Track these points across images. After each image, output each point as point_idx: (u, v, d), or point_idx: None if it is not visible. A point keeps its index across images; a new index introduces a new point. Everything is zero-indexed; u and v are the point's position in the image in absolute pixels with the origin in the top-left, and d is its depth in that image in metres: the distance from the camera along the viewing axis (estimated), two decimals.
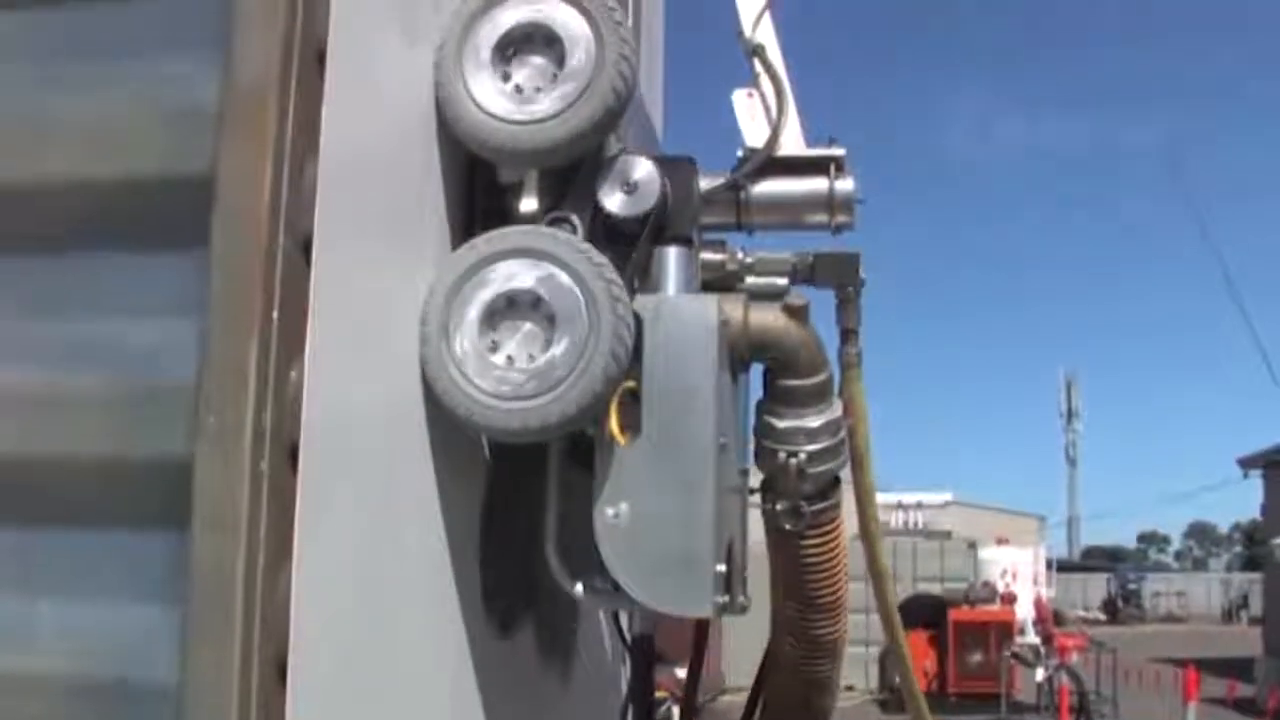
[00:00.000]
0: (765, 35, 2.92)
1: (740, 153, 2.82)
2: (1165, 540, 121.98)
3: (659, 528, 2.31)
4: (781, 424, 2.65)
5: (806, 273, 2.77)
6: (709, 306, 2.43)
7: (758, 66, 2.90)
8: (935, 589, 27.36)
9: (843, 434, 2.72)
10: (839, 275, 2.79)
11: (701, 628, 3.17)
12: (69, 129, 1.99)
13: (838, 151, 2.82)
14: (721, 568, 2.34)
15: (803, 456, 2.64)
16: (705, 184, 2.70)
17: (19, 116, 2.02)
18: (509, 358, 2.24)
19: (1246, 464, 33.76)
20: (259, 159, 1.81)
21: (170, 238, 1.89)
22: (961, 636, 26.00)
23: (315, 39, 1.89)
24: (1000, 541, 29.76)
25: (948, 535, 30.17)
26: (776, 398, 2.67)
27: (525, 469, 2.53)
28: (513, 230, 2.34)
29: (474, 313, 2.25)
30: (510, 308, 2.27)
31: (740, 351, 2.57)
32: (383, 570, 2.11)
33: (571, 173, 2.45)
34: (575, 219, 2.42)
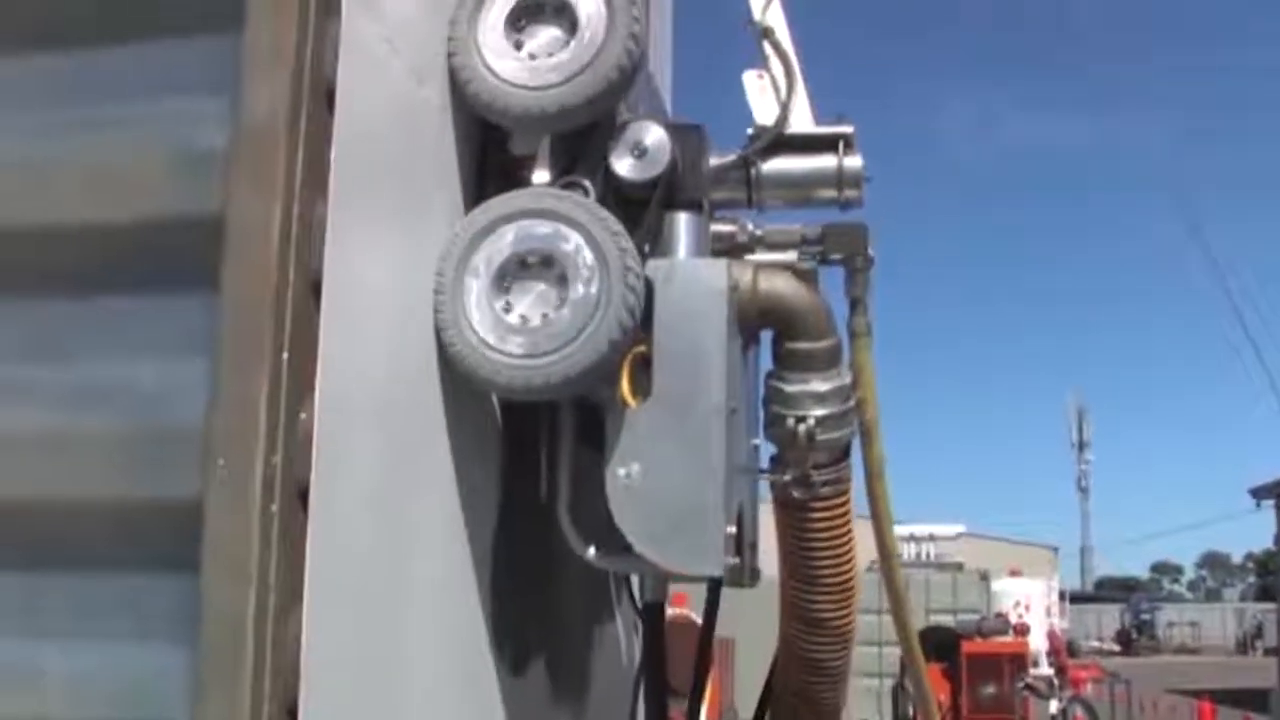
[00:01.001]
0: (775, 19, 2.97)
1: (750, 131, 2.87)
2: (1178, 570, 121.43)
3: (670, 487, 2.32)
4: (790, 388, 2.66)
5: (816, 244, 2.80)
6: (719, 270, 2.45)
7: (768, 49, 2.94)
8: (948, 621, 27.22)
9: (852, 402, 2.72)
10: (848, 246, 2.81)
11: (704, 653, 3.14)
12: (79, 172, 1.99)
13: (846, 129, 2.86)
14: (732, 529, 2.35)
15: (811, 421, 2.64)
16: (716, 161, 2.73)
17: (29, 159, 2.03)
18: (522, 317, 2.26)
19: (1258, 494, 33.60)
20: (268, 200, 1.82)
21: (180, 279, 1.89)
22: (974, 669, 25.82)
23: (323, 80, 1.90)
24: (1013, 573, 29.59)
25: (960, 567, 29.99)
26: (785, 362, 2.68)
27: (537, 509, 2.53)
28: (524, 192, 2.37)
29: (487, 273, 2.27)
30: (523, 268, 2.29)
31: (750, 316, 2.58)
32: (394, 614, 2.10)
33: (583, 142, 2.46)
34: (587, 183, 2.43)
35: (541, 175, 2.43)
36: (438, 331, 2.26)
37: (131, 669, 1.87)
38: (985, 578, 29.24)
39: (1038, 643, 26.85)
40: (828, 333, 2.69)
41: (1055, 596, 31.74)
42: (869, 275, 2.84)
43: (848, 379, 2.72)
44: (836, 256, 2.81)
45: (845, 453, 2.76)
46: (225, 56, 1.92)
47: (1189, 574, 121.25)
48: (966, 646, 26.32)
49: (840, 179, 2.83)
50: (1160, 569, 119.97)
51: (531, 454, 2.61)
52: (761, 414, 2.73)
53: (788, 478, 2.68)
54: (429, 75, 2.30)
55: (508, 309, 2.27)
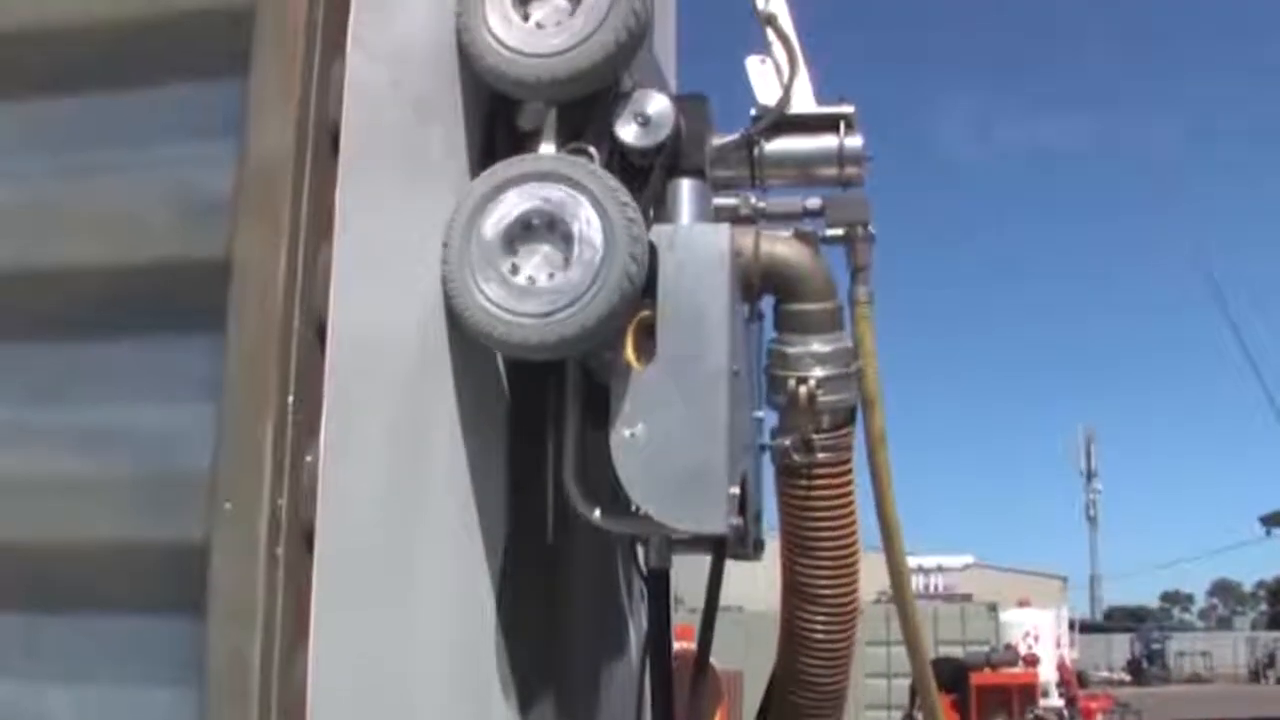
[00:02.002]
0: (777, 6, 3.06)
1: (753, 111, 2.95)
2: (1189, 599, 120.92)
3: (674, 446, 2.35)
4: (791, 350, 2.73)
5: (817, 215, 2.88)
6: (722, 234, 2.49)
7: (771, 35, 3.02)
8: (957, 653, 27.10)
9: (854, 368, 2.77)
10: (849, 215, 2.89)
11: (708, 627, 3.14)
12: (85, 215, 2.00)
13: (847, 109, 2.95)
14: (735, 490, 2.38)
15: (812, 383, 2.69)
16: (719, 141, 2.81)
17: (36, 203, 2.04)
18: (529, 278, 2.30)
19: (1269, 521, 33.52)
20: (274, 243, 1.83)
21: (185, 322, 1.90)
22: (984, 700, 25.69)
23: (329, 122, 1.91)
24: (1022, 603, 29.47)
25: (968, 598, 29.90)
26: (786, 324, 2.75)
27: (546, 562, 2.53)
28: (529, 157, 2.41)
29: (494, 234, 2.31)
30: (529, 230, 2.33)
31: (752, 280, 2.65)
32: (400, 656, 2.09)
33: (588, 112, 2.50)
34: (592, 150, 2.46)
35: (548, 148, 2.47)
36: (445, 295, 2.30)
37: (137, 712, 1.86)
38: (994, 609, 29.12)
39: (1047, 673, 26.72)
40: (829, 295, 2.76)
41: (1064, 627, 31.59)
42: (870, 246, 2.91)
43: (849, 343, 2.79)
44: (838, 232, 2.89)
45: (847, 421, 2.79)
46: (231, 100, 1.93)
47: (1200, 602, 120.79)
48: (976, 678, 26.19)
49: (841, 157, 2.92)
50: (1171, 598, 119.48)
51: (539, 492, 2.61)
52: (764, 383, 2.79)
53: (788, 442, 2.71)
54: (433, 112, 2.32)
55: (515, 270, 2.31)
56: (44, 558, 1.94)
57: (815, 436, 2.71)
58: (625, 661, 3.26)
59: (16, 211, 2.04)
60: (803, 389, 2.69)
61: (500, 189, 2.33)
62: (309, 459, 1.81)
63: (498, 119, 2.54)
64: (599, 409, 2.45)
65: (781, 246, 2.71)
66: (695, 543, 2.86)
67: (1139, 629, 77.55)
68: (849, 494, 2.80)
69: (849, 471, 2.82)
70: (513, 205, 2.32)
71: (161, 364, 1.92)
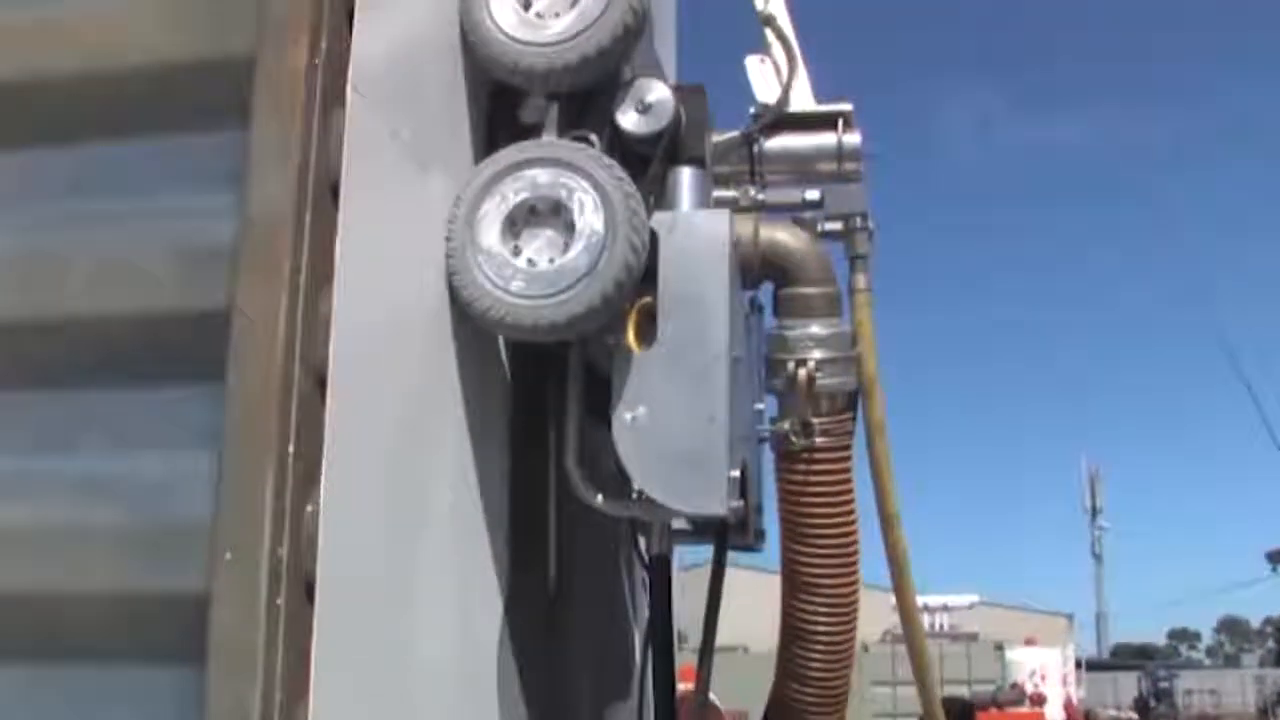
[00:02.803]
0: (776, 7, 3.16)
1: (753, 110, 3.04)
2: (1196, 636, 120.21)
3: (675, 428, 2.38)
4: (790, 333, 2.78)
5: (816, 206, 2.95)
6: (722, 219, 2.53)
7: (770, 36, 3.11)
8: (963, 692, 26.97)
9: (853, 354, 2.81)
10: (847, 206, 2.99)
11: (713, 609, 3.08)
12: (87, 265, 2.01)
13: (845, 106, 3.04)
14: (735, 474, 2.40)
15: (811, 364, 2.74)
16: (720, 138, 2.90)
17: (39, 252, 2.05)
18: (530, 260, 2.34)
19: (1275, 558, 33.42)
20: (274, 294, 1.83)
21: (187, 372, 1.90)
22: None
23: (329, 173, 1.92)
24: (1028, 642, 29.37)
25: (974, 637, 29.78)
26: (785, 308, 2.79)
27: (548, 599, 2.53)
28: (531, 142, 2.45)
29: (497, 218, 2.35)
30: (532, 215, 2.36)
31: (752, 266, 2.70)
32: (401, 705, 2.09)
33: (590, 102, 2.55)
34: (593, 137, 2.50)
35: (549, 138, 2.51)
36: (449, 276, 2.33)
37: None
38: (1000, 648, 29.01)
39: (1054, 712, 26.59)
40: (827, 280, 2.81)
41: (1071, 665, 31.44)
42: (869, 238, 3.01)
43: (847, 329, 2.84)
44: (836, 225, 3.00)
45: (846, 408, 2.82)
46: (231, 150, 1.94)
47: (1207, 640, 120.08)
48: (982, 718, 26.05)
49: (840, 154, 3.01)
50: (1178, 635, 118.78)
51: (543, 530, 2.63)
52: (764, 372, 2.84)
53: (787, 425, 2.74)
54: (433, 162, 2.33)
55: (517, 253, 2.34)
56: (45, 607, 1.94)
57: (814, 420, 2.75)
58: (631, 683, 3.26)
59: (19, 260, 2.05)
60: (801, 371, 2.74)
61: (503, 175, 2.38)
62: (309, 509, 1.81)
63: (499, 129, 2.59)
64: (600, 403, 2.48)
65: (780, 233, 2.77)
66: (697, 532, 2.90)
67: (1146, 667, 77.03)
68: (848, 480, 2.82)
69: (848, 458, 2.84)
70: (515, 190, 2.36)
71: (162, 413, 1.93)
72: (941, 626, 30.23)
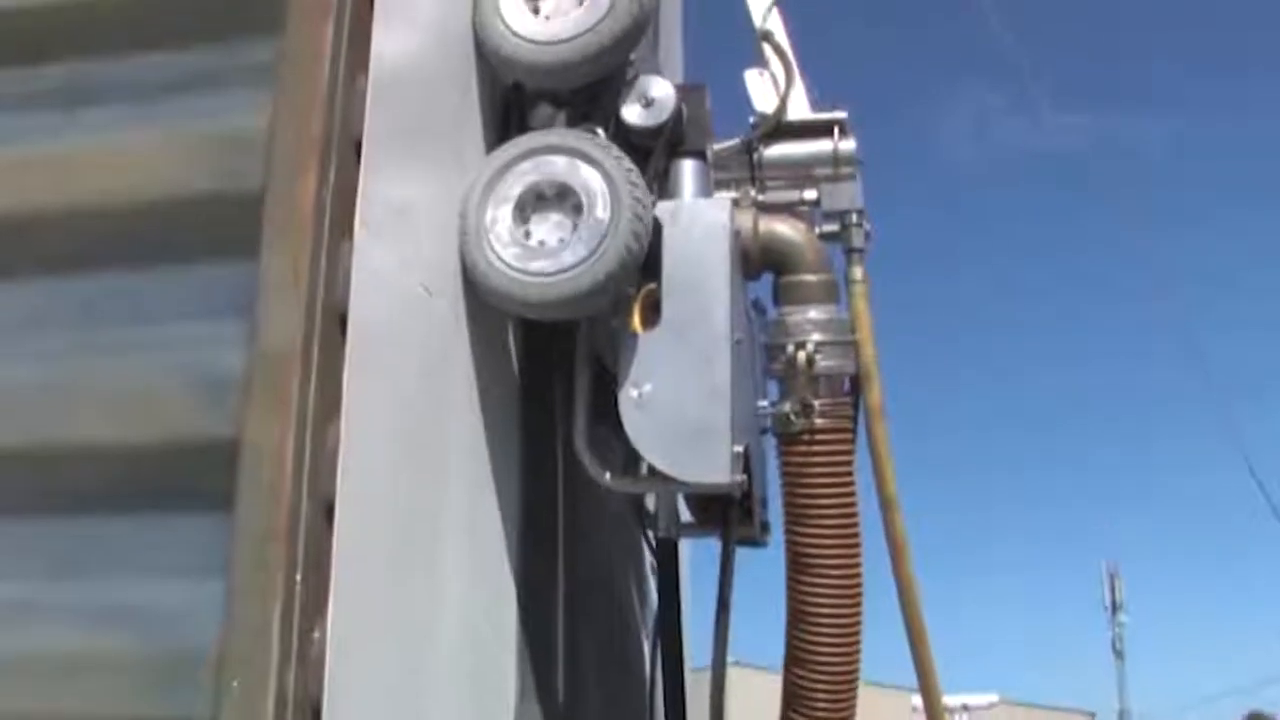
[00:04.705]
0: (774, 22, 3.35)
1: (752, 119, 3.22)
2: None
3: (679, 403, 2.48)
4: (790, 318, 2.91)
5: (814, 204, 3.13)
6: (722, 207, 2.67)
7: (768, 51, 3.29)
8: None
9: (851, 340, 2.94)
10: (842, 203, 3.15)
11: (723, 609, 3.11)
12: (98, 393, 2.05)
13: (840, 114, 3.23)
14: (739, 448, 2.47)
15: (810, 347, 2.85)
16: (721, 147, 3.06)
17: (49, 380, 2.09)
18: (540, 241, 2.47)
19: None
20: (282, 425, 1.87)
21: (195, 501, 1.94)
22: None
23: (337, 306, 1.96)
24: None
25: None
26: (784, 296, 2.93)
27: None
28: (540, 132, 2.60)
29: (508, 203, 2.48)
30: (541, 199, 2.49)
31: (752, 256, 2.83)
32: None
33: (595, 98, 2.69)
34: (599, 129, 2.64)
35: (559, 128, 2.65)
36: (461, 256, 2.44)
37: None
38: None
39: None
40: (824, 268, 2.96)
41: None
42: (865, 235, 3.15)
43: (845, 315, 2.97)
44: (833, 227, 3.15)
45: (845, 392, 2.93)
46: (241, 281, 1.99)
47: None
48: None
49: (836, 159, 3.18)
50: None
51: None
52: (765, 364, 2.95)
53: (788, 407, 2.84)
54: (441, 287, 2.38)
55: (527, 235, 2.46)
56: None
57: (814, 402, 2.84)
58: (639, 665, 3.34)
59: (31, 389, 2.09)
60: (801, 353, 2.85)
61: (513, 162, 2.50)
62: (316, 636, 1.84)
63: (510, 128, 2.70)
64: (607, 402, 2.57)
65: (778, 224, 2.92)
66: (702, 522, 3.03)
67: None
68: (848, 463, 2.90)
69: (848, 441, 2.92)
70: (526, 174, 2.49)
71: (170, 542, 1.95)
72: None
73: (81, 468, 2.03)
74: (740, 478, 2.50)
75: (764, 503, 2.93)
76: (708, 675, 2.97)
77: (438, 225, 2.42)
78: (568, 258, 2.42)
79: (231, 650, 1.81)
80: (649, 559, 3.42)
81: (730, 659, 3.06)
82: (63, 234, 2.16)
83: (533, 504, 2.66)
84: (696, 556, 3.81)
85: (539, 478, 2.70)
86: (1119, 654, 24.94)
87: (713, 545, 3.05)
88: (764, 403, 2.89)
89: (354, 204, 2.04)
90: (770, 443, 2.96)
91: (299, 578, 1.83)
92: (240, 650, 1.81)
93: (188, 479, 1.95)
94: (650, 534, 3.26)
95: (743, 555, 3.02)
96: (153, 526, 1.97)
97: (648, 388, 2.49)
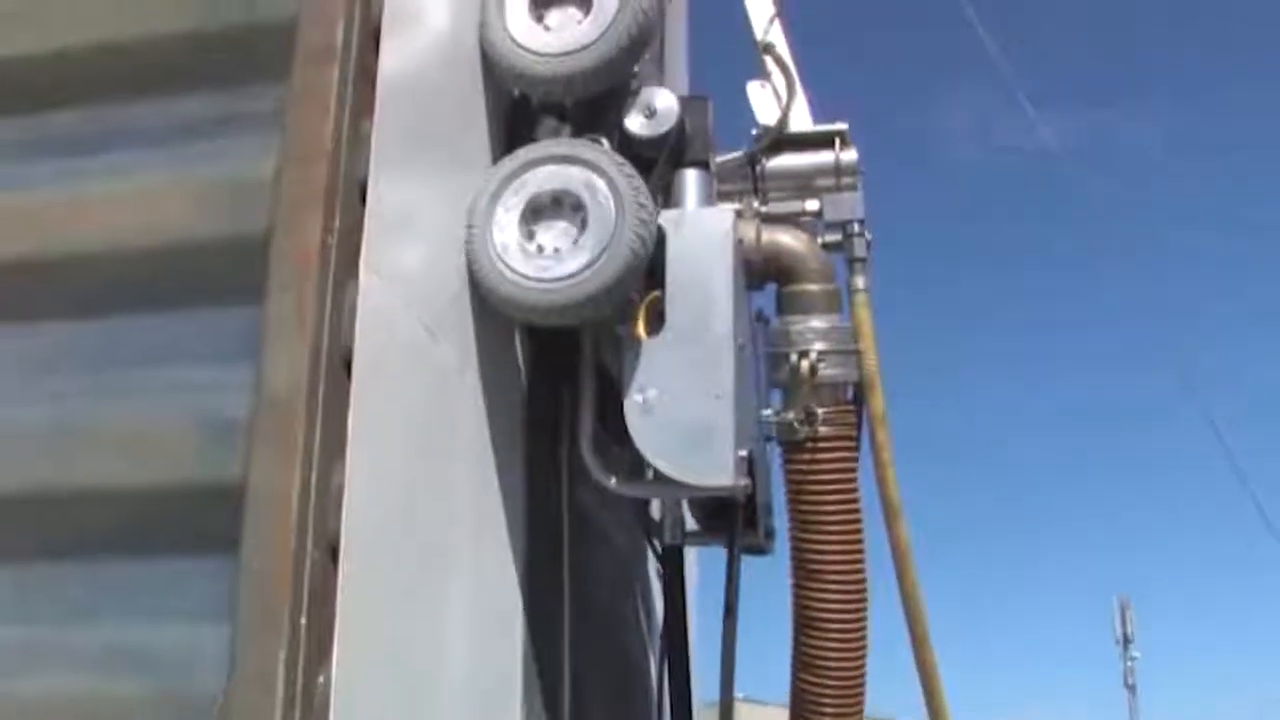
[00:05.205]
0: (775, 35, 3.42)
1: (754, 131, 3.27)
2: None
3: (684, 407, 2.51)
4: (793, 328, 2.93)
5: (816, 215, 3.18)
6: (725, 215, 2.70)
7: (770, 64, 3.36)
8: None
9: (853, 349, 2.97)
10: (844, 213, 3.20)
11: (730, 619, 3.13)
12: (107, 436, 2.06)
13: (841, 126, 3.28)
14: (744, 452, 2.50)
15: (814, 355, 2.89)
16: (725, 159, 3.11)
17: (58, 425, 2.10)
18: (540, 247, 2.50)
19: None
20: (287, 467, 1.87)
21: (201, 543, 1.94)
22: None
23: (341, 348, 1.97)
24: None
25: None
26: (788, 306, 2.96)
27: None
28: (546, 141, 2.64)
29: (515, 209, 2.51)
30: (547, 206, 2.53)
31: (755, 265, 2.87)
32: None
33: (600, 110, 2.73)
34: (603, 139, 2.67)
35: (565, 138, 2.69)
36: (468, 263, 2.48)
37: None
38: None
39: None
40: (826, 278, 3.01)
41: None
42: (867, 245, 3.19)
43: (847, 325, 3.01)
44: (835, 237, 3.18)
45: (848, 400, 2.96)
46: (248, 325, 2.00)
47: None
48: None
49: (838, 170, 3.22)
50: None
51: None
52: (768, 373, 2.97)
53: (792, 415, 2.88)
54: (445, 332, 2.39)
55: (533, 242, 2.50)
56: None
57: (818, 410, 2.88)
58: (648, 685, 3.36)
59: (39, 432, 2.10)
60: (804, 362, 2.89)
61: (519, 171, 2.54)
62: (321, 680, 1.83)
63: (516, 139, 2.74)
64: (613, 411, 2.59)
65: (781, 235, 2.97)
66: (707, 531, 3.06)
67: None
68: (852, 469, 2.94)
69: (851, 448, 2.96)
70: (533, 183, 2.52)
71: (177, 585, 1.96)
72: None
73: (89, 511, 2.04)
74: (744, 481, 2.53)
75: (769, 510, 2.96)
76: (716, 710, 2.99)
77: (442, 265, 2.43)
78: (573, 264, 2.45)
79: (237, 694, 1.81)
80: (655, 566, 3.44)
81: (738, 695, 3.07)
82: (71, 278, 2.18)
83: (537, 543, 2.66)
84: (704, 577, 3.81)
85: (544, 516, 2.70)
86: (1131, 689, 24.68)
87: (720, 570, 3.08)
88: (768, 411, 2.92)
89: (358, 247, 2.05)
90: (774, 451, 3.00)
91: (304, 621, 1.82)
92: (246, 694, 1.81)
93: (194, 522, 1.96)
94: (656, 542, 3.29)
95: (748, 583, 3.05)
96: (160, 569, 1.98)
97: (652, 392, 2.52)
